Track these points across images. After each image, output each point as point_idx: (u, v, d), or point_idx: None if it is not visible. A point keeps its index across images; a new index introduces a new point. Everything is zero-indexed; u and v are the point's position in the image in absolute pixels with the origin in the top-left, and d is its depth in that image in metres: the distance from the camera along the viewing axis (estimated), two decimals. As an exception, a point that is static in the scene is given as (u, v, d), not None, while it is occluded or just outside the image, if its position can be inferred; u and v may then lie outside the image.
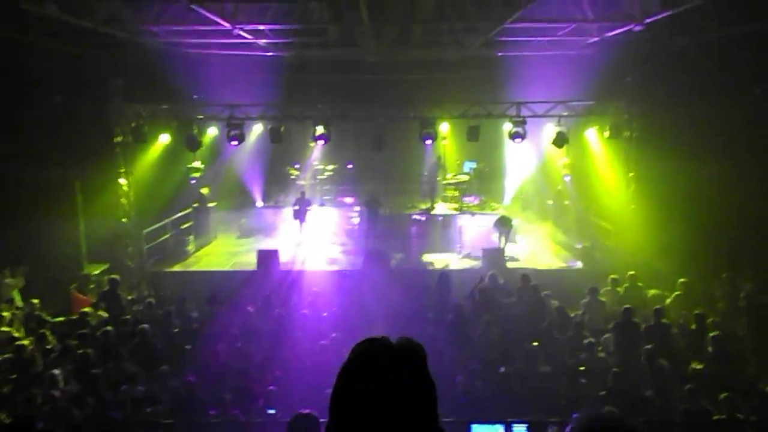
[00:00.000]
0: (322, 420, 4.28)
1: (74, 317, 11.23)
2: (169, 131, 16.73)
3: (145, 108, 15.60)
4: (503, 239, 16.12)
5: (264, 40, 13.56)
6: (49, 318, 11.64)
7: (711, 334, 9.49)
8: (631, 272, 13.21)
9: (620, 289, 12.61)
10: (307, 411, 4.19)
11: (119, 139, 15.53)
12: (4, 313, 11.27)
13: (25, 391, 7.99)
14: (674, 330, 10.40)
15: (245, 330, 10.76)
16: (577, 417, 1.27)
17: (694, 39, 12.75)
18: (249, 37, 12.66)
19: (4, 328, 10.61)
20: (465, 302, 11.82)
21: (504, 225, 16.00)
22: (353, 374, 1.33)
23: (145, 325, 10.39)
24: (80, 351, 9.42)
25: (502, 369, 9.21)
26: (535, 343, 10.09)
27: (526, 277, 12.66)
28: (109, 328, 10.38)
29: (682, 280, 12.19)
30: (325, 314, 11.36)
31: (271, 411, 7.85)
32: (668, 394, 8.43)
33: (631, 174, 15.71)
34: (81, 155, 14.39)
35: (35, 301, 12.09)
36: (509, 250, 16.15)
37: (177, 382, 8.70)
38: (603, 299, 12.04)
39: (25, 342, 9.95)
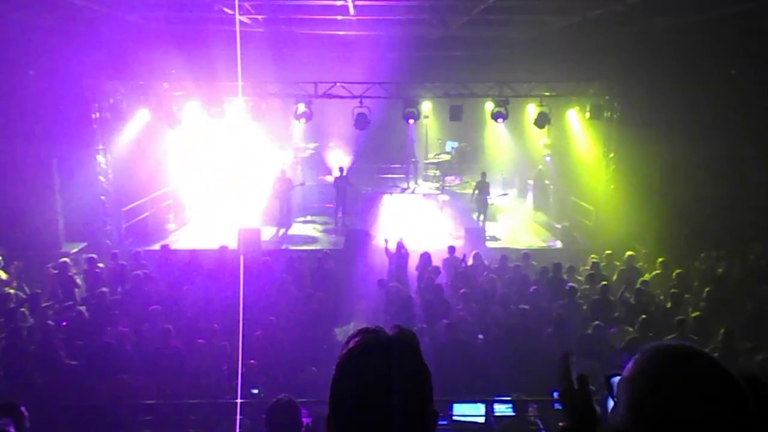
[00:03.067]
0: (299, 400, 4.31)
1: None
2: (148, 108, 16.48)
3: (123, 84, 15.33)
4: (482, 216, 16.24)
5: (245, 16, 13.37)
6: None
7: (693, 314, 9.64)
8: (608, 251, 13.40)
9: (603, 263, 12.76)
10: (285, 396, 4.21)
11: (97, 115, 15.29)
12: None
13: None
14: (652, 308, 10.56)
15: (227, 308, 10.73)
16: (645, 346, 1.29)
17: (673, 20, 12.82)
18: (230, 12, 12.47)
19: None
20: (447, 281, 11.90)
21: (481, 186, 16.09)
22: (350, 366, 1.36)
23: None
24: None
25: (480, 336, 9.30)
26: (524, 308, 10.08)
27: (504, 257, 12.83)
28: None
29: (661, 259, 12.38)
30: (308, 291, 11.37)
31: (255, 390, 7.88)
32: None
33: (611, 155, 15.84)
34: (58, 132, 14.13)
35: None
36: (489, 230, 16.26)
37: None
38: (580, 278, 12.24)
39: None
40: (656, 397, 1.18)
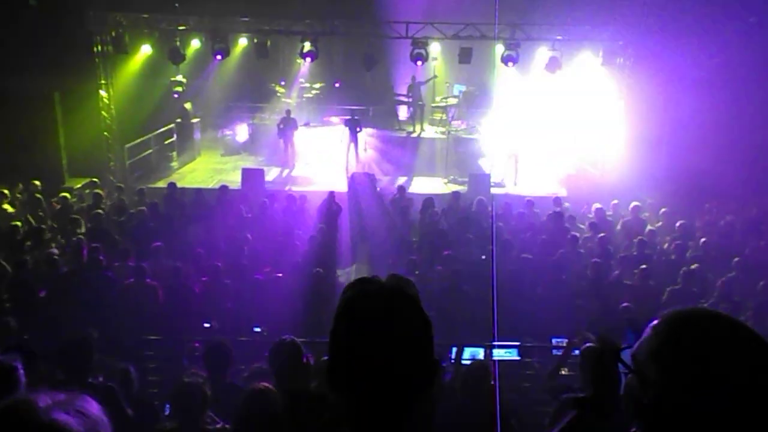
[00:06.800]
0: (300, 340, 4.33)
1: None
2: (151, 42, 16.16)
3: (125, 17, 14.96)
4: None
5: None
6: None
7: (692, 267, 9.62)
8: (614, 201, 13.32)
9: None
10: (288, 336, 4.24)
11: (99, 48, 14.99)
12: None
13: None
14: (654, 258, 10.54)
15: (230, 247, 10.76)
16: (665, 315, 1.23)
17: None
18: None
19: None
20: (450, 227, 11.89)
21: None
22: (346, 316, 1.33)
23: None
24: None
25: (482, 283, 9.30)
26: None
27: (509, 204, 12.77)
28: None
29: (663, 209, 12.32)
30: (313, 235, 11.37)
31: (257, 329, 7.96)
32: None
33: (621, 102, 15.54)
34: (60, 65, 13.90)
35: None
36: (495, 176, 16.03)
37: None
38: (582, 225, 12.19)
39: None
40: (689, 373, 1.12)
